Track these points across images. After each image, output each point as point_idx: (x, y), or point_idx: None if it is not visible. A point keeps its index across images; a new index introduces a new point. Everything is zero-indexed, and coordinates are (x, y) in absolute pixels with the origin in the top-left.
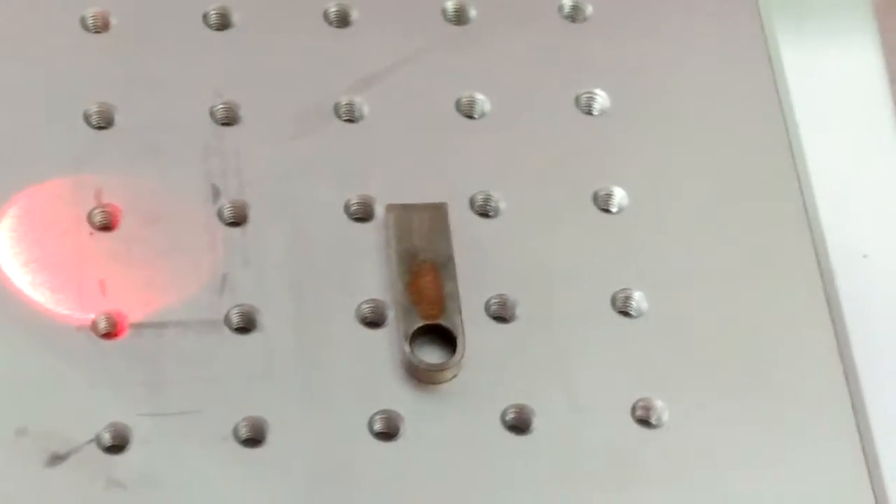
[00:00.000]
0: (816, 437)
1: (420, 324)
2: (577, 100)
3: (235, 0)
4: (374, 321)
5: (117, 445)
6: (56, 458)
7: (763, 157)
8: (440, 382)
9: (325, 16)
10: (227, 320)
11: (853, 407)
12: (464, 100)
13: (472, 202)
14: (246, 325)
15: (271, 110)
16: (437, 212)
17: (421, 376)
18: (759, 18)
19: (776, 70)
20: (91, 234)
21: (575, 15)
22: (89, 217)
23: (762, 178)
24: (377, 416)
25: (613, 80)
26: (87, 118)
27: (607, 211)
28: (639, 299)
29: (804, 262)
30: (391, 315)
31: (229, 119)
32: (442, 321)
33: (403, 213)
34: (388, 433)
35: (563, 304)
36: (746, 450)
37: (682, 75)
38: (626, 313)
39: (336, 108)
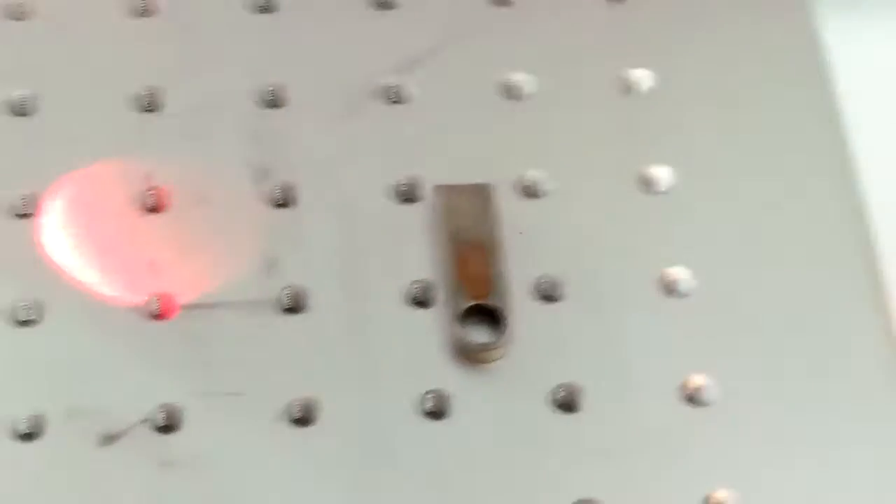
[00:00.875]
0: (865, 417)
1: (468, 303)
2: (621, 80)
3: None
4: (422, 301)
5: (169, 425)
6: (108, 438)
7: (810, 136)
8: (489, 362)
9: None
10: (276, 301)
11: None
12: (509, 81)
13: (518, 182)
14: (295, 306)
15: (318, 92)
16: (485, 192)
17: (470, 356)
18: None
19: (821, 46)
20: (141, 216)
21: None
22: (140, 199)
23: (811, 157)
24: (426, 396)
25: (659, 60)
26: (136, 101)
27: (653, 191)
28: (687, 278)
29: (854, 241)
30: (440, 295)
31: (276, 101)
32: (490, 301)
33: (451, 193)
34: (438, 412)
35: (611, 284)
36: (795, 429)
37: (725, 54)
38: (673, 293)
39: (383, 90)
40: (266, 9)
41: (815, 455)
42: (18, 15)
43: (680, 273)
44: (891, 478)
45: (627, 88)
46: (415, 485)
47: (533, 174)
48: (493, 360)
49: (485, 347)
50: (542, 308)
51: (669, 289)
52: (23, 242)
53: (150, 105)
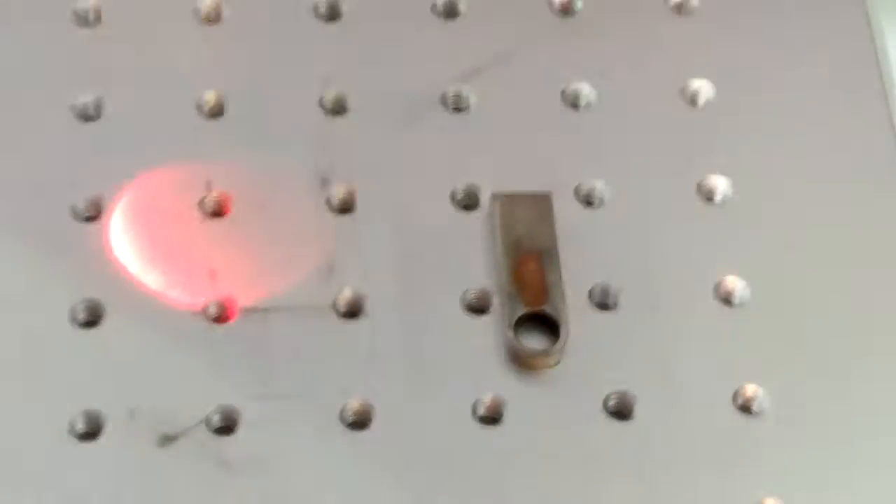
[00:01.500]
0: None
1: (524, 311)
2: (682, 91)
3: None
4: (478, 308)
5: (226, 427)
6: (167, 439)
7: (869, 147)
8: (543, 368)
9: (433, 7)
10: (334, 306)
11: None
12: (569, 90)
13: (576, 192)
14: (353, 311)
15: (379, 100)
16: (542, 201)
17: (524, 362)
18: (863, 4)
19: (881, 57)
20: (202, 221)
21: (681, 6)
22: (201, 204)
23: (868, 167)
24: (481, 401)
25: (719, 72)
26: (199, 107)
27: (711, 201)
28: (741, 288)
29: None
30: (496, 302)
31: (338, 108)
32: (545, 308)
33: (509, 202)
34: (492, 418)
35: (666, 293)
36: (848, 441)
37: (786, 67)
38: (728, 302)
39: (443, 98)
40: (331, 17)
41: (868, 468)
42: (86, 21)
43: (735, 283)
44: None
45: (687, 100)
46: (468, 490)
47: (591, 183)
48: (547, 367)
49: (540, 354)
50: (598, 316)
51: (724, 298)
52: (86, 245)
53: (213, 111)
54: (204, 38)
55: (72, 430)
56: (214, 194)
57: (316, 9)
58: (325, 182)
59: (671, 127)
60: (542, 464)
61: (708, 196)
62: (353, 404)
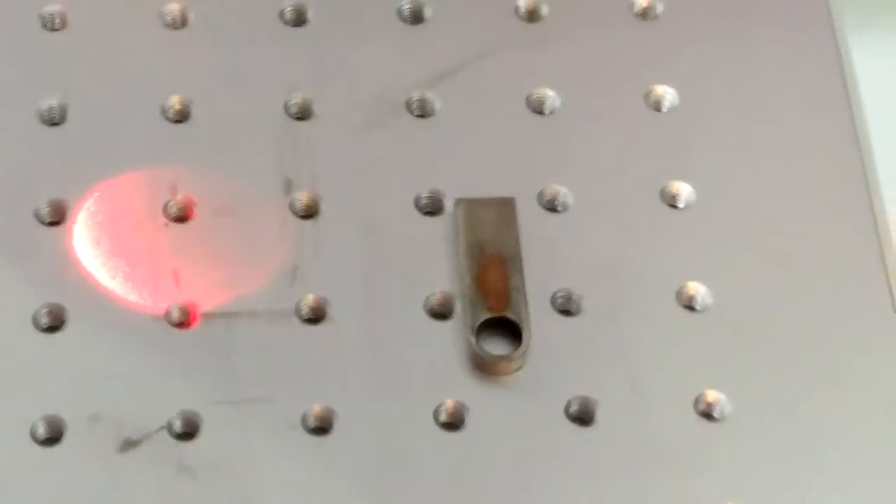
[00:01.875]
0: (885, 436)
1: (486, 316)
2: (646, 97)
3: None
4: (441, 313)
5: (188, 432)
6: (128, 444)
7: (831, 156)
8: (506, 374)
9: (399, 13)
10: (297, 311)
11: None
12: (534, 96)
13: (540, 197)
14: (316, 316)
15: (344, 105)
16: (506, 206)
17: (487, 368)
18: (828, 15)
19: (845, 67)
20: (166, 225)
21: (646, 13)
22: (165, 209)
23: (830, 175)
24: (443, 407)
25: (682, 78)
26: (164, 112)
27: (674, 207)
28: (704, 294)
29: (871, 258)
30: (459, 307)
31: (302, 113)
32: (508, 313)
33: (472, 206)
34: (454, 423)
35: (629, 299)
36: (809, 446)
37: (750, 74)
38: (690, 308)
39: (408, 104)
40: (297, 22)
41: (830, 472)
42: (52, 25)
43: (698, 288)
44: None
45: (651, 106)
46: (431, 495)
47: (555, 188)
48: (510, 373)
49: (502, 360)
50: (560, 321)
51: (687, 304)
52: (48, 250)
53: (178, 116)
54: (169, 43)
55: (34, 436)
56: (179, 198)
57: (282, 14)
58: (289, 187)
59: (635, 133)
60: (504, 469)
61: (671, 202)
62: (316, 409)
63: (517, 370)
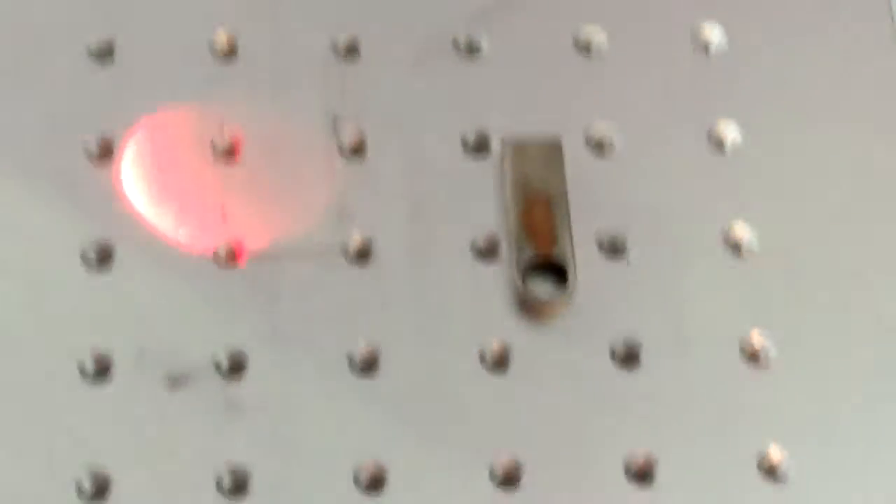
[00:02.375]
0: None
1: (533, 257)
2: (693, 37)
3: None
4: (487, 253)
5: (235, 369)
6: (176, 380)
7: (881, 99)
8: (551, 316)
9: None
10: (343, 250)
11: None
12: (581, 36)
13: (587, 137)
14: (362, 256)
15: (390, 43)
16: (552, 147)
17: (532, 310)
18: (892, 25)
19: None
20: (213, 162)
21: None
22: (212, 145)
23: (879, 117)
24: (489, 349)
25: (731, 16)
26: (212, 48)
27: (721, 150)
28: (749, 236)
29: None
30: (504, 248)
31: (349, 52)
32: (554, 255)
33: (519, 147)
34: (500, 365)
35: (674, 242)
36: (853, 391)
37: (801, 16)
38: (736, 250)
39: (454, 42)
40: None
41: (872, 417)
42: None
43: (744, 230)
44: None
45: (700, 48)
46: (476, 436)
47: (601, 128)
48: (555, 315)
49: (548, 302)
50: (606, 263)
51: (733, 246)
52: (97, 185)
53: (226, 52)
54: None
55: (82, 371)
56: (226, 136)
57: None
58: (336, 125)
59: (683, 74)
60: (549, 410)
61: (718, 144)
62: (362, 349)
63: (563, 312)
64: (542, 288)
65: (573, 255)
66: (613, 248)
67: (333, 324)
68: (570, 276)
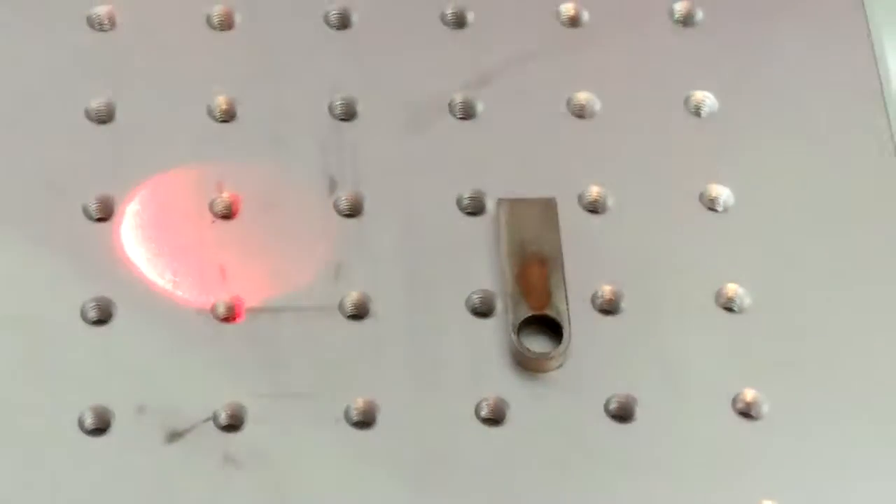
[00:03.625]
0: None
1: (528, 314)
2: (686, 101)
3: (355, 1)
4: (483, 311)
5: (233, 424)
6: (174, 435)
7: (868, 159)
8: (546, 371)
9: (442, 17)
10: (340, 307)
11: None
12: (575, 99)
13: (580, 198)
14: (359, 312)
15: (388, 106)
16: (547, 206)
17: (527, 365)
18: (864, 19)
19: (882, 75)
20: (213, 222)
21: (686, 19)
22: (211, 206)
23: (867, 178)
24: (484, 403)
25: (722, 83)
26: (210, 111)
27: (713, 210)
28: (742, 295)
29: None
30: (500, 305)
31: (347, 114)
32: (549, 311)
33: (514, 206)
34: (495, 419)
35: (668, 299)
36: (846, 446)
37: (788, 78)
38: (729, 308)
39: (451, 106)
40: (341, 25)
41: (865, 473)
42: (100, 26)
43: (736, 290)
44: None
45: (691, 110)
46: (471, 490)
47: (595, 190)
48: (550, 370)
49: (543, 357)
50: (600, 320)
51: (726, 305)
52: (97, 245)
53: (225, 115)
54: (216, 44)
55: (81, 426)
56: (225, 196)
57: (327, 16)
58: (333, 186)
59: (675, 136)
60: (544, 465)
61: (710, 205)
62: (359, 403)
63: (558, 368)
64: (537, 344)
65: (568, 312)
66: (607, 305)
67: (331, 378)
68: (565, 332)
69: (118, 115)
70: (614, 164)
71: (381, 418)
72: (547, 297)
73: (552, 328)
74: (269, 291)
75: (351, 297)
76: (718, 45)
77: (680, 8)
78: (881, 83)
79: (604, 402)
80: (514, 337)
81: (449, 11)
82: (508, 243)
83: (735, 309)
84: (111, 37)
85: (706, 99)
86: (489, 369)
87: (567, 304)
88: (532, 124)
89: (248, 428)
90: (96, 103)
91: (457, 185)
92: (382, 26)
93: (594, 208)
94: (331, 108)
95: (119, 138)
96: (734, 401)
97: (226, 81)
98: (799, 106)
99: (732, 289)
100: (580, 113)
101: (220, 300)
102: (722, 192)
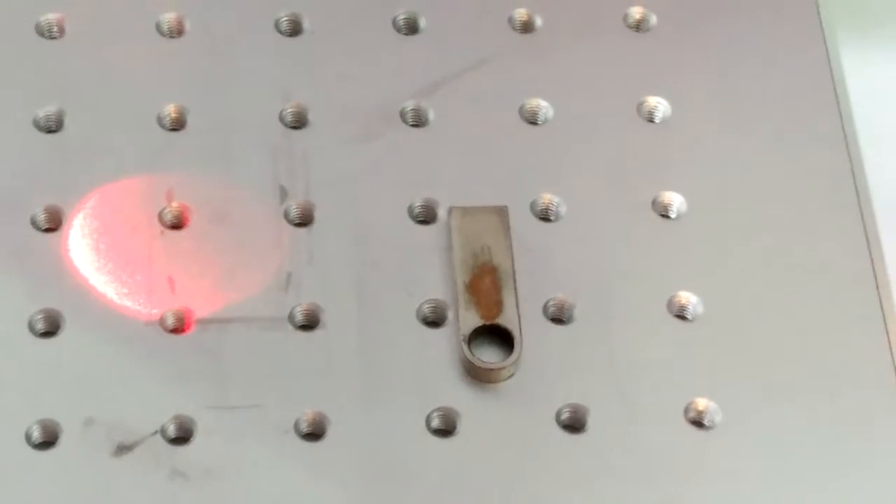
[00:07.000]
0: (872, 443)
1: (478, 324)
2: (639, 107)
3: (306, 7)
4: (434, 321)
5: (181, 437)
6: (122, 448)
7: (822, 165)
8: (497, 381)
9: (394, 23)
10: (290, 317)
11: None
12: (527, 106)
13: (533, 206)
14: (309, 323)
15: (339, 114)
16: (499, 215)
17: (478, 375)
18: (819, 26)
19: (836, 76)
20: (162, 232)
21: (639, 24)
22: (160, 216)
23: (821, 184)
24: (434, 414)
25: (675, 89)
26: (160, 120)
27: (666, 217)
28: (695, 303)
29: (860, 267)
30: (451, 315)
31: (298, 122)
32: (500, 321)
33: (465, 215)
34: (446, 430)
35: (620, 307)
36: (798, 454)
37: (741, 85)
38: (681, 317)
39: (402, 113)
40: (292, 32)
41: (817, 481)
42: (49, 33)
43: (688, 298)
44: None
45: (644, 116)
46: (422, 501)
47: (547, 198)
48: (501, 380)
49: (493, 367)
50: (552, 330)
51: (678, 313)
52: (44, 256)
53: (173, 124)
54: (166, 52)
55: (28, 439)
56: (174, 206)
57: (277, 24)
58: (283, 194)
59: (628, 143)
60: (495, 476)
61: (663, 212)
62: (308, 415)
63: (509, 378)
64: (488, 354)
65: (519, 322)
66: (559, 315)
67: (280, 390)
68: (516, 342)
69: (67, 123)
70: (567, 172)
71: (330, 430)
72: (498, 306)
73: (503, 338)
74: (219, 302)
75: (301, 308)
76: (672, 51)
77: (633, 14)
78: (835, 88)
79: (555, 411)
80: (464, 347)
81: (401, 17)
82: (460, 252)
83: (688, 317)
84: (60, 44)
85: (659, 105)
86: (440, 380)
87: (518, 313)
88: (484, 132)
89: (197, 440)
90: (44, 112)
91: (408, 194)
92: (334, 33)
93: (546, 216)
94: (281, 117)
95: (67, 147)
96: (686, 410)
97: (175, 90)
98: (752, 112)
99: (685, 297)
100: (533, 120)
101: (169, 311)
102: (675, 200)
